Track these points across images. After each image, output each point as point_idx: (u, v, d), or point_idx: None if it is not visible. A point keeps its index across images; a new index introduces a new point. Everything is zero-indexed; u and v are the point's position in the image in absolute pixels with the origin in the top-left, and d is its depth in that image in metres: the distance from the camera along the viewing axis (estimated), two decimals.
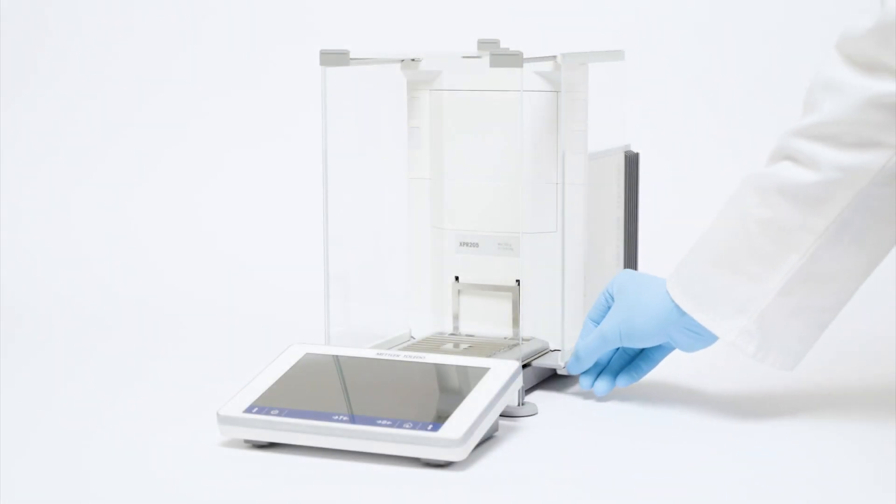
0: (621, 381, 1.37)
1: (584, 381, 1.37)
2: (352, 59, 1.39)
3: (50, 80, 2.14)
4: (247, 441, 1.23)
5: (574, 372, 1.37)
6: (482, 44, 1.53)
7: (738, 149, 2.05)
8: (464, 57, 1.43)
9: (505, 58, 1.32)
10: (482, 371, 1.24)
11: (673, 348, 1.36)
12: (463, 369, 1.26)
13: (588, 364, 1.36)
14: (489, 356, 1.34)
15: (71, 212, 2.04)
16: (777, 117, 2.03)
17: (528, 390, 1.41)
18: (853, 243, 1.23)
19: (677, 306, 1.29)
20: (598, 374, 1.37)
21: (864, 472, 1.17)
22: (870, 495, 1.11)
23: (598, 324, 1.37)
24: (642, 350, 1.37)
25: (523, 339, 1.43)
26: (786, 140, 1.24)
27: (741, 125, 2.03)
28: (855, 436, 1.25)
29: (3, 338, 1.64)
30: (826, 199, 1.22)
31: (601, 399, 1.37)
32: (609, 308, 1.37)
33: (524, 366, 1.36)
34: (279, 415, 1.22)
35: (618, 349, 1.37)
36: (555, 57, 1.39)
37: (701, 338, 1.30)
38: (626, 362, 1.38)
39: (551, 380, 1.44)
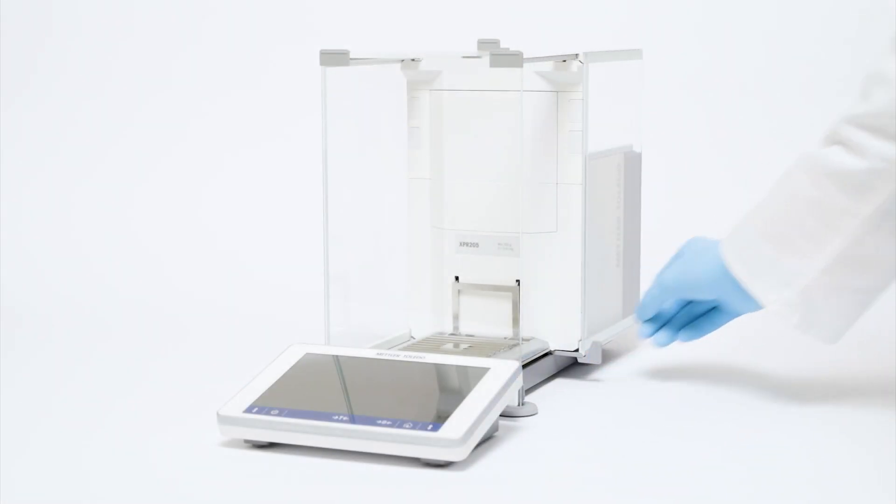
0: (682, 335, 1.43)
1: (645, 330, 1.44)
2: (352, 59, 1.39)
3: (50, 79, 2.14)
4: (247, 441, 1.23)
5: (639, 318, 1.44)
6: (482, 44, 1.53)
7: (739, 149, 2.05)
8: (464, 57, 1.43)
9: (505, 58, 1.32)
10: (482, 371, 1.24)
11: (733, 314, 1.41)
12: (463, 369, 1.26)
13: (650, 312, 1.43)
14: (489, 356, 1.34)
15: (71, 211, 2.04)
16: (778, 117, 2.04)
17: (548, 379, 1.42)
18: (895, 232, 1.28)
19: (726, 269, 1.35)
20: (661, 327, 1.44)
21: (865, 471, 1.17)
22: (870, 495, 1.11)
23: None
24: (706, 312, 1.43)
25: (523, 339, 1.43)
26: (838, 125, 1.27)
27: (742, 125, 2.03)
28: (857, 434, 1.25)
29: (3, 338, 1.64)
30: (870, 186, 1.25)
31: (602, 399, 1.37)
32: None
33: (525, 365, 1.36)
34: (279, 415, 1.22)
35: (683, 308, 1.43)
36: (577, 55, 1.40)
37: (749, 302, 1.35)
38: (690, 321, 1.44)
39: (571, 368, 1.46)
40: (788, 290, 1.30)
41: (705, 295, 1.39)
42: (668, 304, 1.44)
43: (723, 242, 1.36)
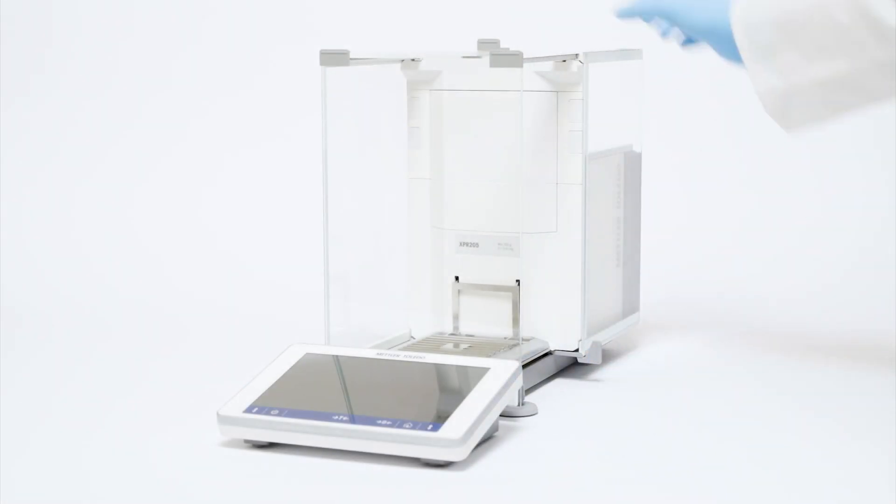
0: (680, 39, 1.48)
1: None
2: (352, 59, 1.39)
3: (51, 79, 2.14)
4: (247, 441, 1.23)
5: (620, 16, 1.47)
6: (482, 44, 1.53)
7: (740, 149, 2.05)
8: (464, 57, 1.43)
9: (505, 58, 1.32)
10: (482, 371, 1.24)
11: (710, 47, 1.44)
12: (463, 369, 1.26)
13: (635, 13, 1.46)
14: (489, 356, 1.34)
15: (71, 212, 2.04)
16: None
17: (548, 379, 1.42)
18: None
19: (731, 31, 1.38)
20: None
21: (865, 472, 1.17)
22: (870, 495, 1.11)
23: None
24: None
25: (523, 339, 1.43)
26: None
27: (742, 125, 2.03)
28: (858, 434, 1.25)
29: (3, 338, 1.64)
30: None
31: (602, 399, 1.37)
32: None
33: (525, 365, 1.36)
34: (279, 415, 1.22)
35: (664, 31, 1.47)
36: (577, 55, 1.40)
37: (734, 59, 1.40)
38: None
39: (571, 367, 1.46)
40: (779, 80, 1.36)
41: (698, 33, 1.42)
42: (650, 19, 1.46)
43: (734, 7, 1.39)
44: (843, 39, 1.32)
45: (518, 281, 1.45)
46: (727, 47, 1.40)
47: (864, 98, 1.37)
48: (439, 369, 1.28)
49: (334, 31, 2.09)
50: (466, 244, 1.47)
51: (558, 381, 1.44)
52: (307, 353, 1.31)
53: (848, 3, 1.32)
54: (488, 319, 1.46)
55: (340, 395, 1.24)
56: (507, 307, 1.46)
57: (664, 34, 1.47)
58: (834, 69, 1.34)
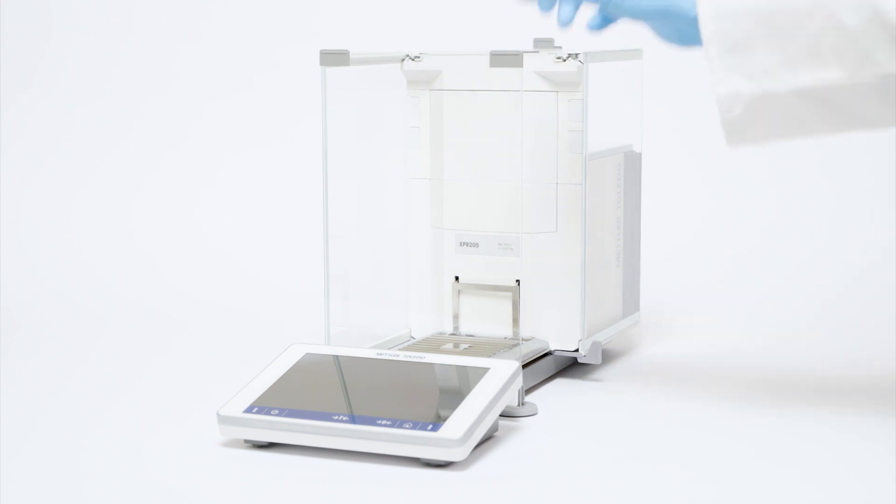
0: (593, 22, 1.28)
1: (544, 3, 1.28)
2: (352, 58, 1.39)
3: (51, 80, 2.14)
4: (247, 441, 1.23)
5: (541, 7, 1.28)
6: (538, 42, 1.51)
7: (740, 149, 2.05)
8: (525, 53, 1.41)
9: (505, 58, 1.32)
10: (482, 371, 1.24)
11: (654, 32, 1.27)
12: (463, 369, 1.26)
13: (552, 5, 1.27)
14: (489, 356, 1.34)
15: (72, 212, 2.04)
16: None
17: (548, 379, 1.42)
18: (892, 103, 1.17)
19: (692, 16, 1.21)
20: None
21: (866, 472, 1.17)
22: (871, 495, 1.11)
23: None
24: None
25: (523, 339, 1.43)
26: None
27: None
28: (858, 434, 1.25)
29: (3, 338, 1.64)
30: None
31: (602, 399, 1.37)
32: None
33: (525, 365, 1.36)
34: (279, 415, 1.22)
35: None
36: (577, 55, 1.40)
37: (683, 45, 1.24)
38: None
39: (571, 368, 1.46)
40: (748, 84, 1.18)
41: (636, 14, 1.23)
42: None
43: None
44: (844, 44, 1.15)
45: (518, 281, 1.45)
46: (675, 30, 1.22)
47: (843, 120, 1.19)
48: (439, 369, 1.28)
49: (334, 31, 2.09)
50: (466, 244, 1.47)
51: (558, 381, 1.44)
52: (307, 353, 1.31)
53: (858, 2, 1.15)
54: (488, 319, 1.46)
55: (340, 395, 1.24)
56: (507, 307, 1.46)
57: (566, 21, 1.26)
58: (823, 79, 1.17)
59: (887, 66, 1.15)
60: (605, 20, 1.29)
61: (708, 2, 1.19)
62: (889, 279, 1.81)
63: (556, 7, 1.28)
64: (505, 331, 1.46)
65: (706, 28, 1.19)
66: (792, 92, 1.18)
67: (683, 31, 1.22)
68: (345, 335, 1.43)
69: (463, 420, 1.18)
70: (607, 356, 1.51)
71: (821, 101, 1.18)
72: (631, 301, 1.55)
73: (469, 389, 1.22)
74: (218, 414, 1.23)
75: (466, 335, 1.47)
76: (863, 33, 1.15)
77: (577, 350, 1.44)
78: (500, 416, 1.24)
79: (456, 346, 1.42)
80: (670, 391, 1.40)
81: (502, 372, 1.24)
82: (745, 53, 1.18)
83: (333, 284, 1.42)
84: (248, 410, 1.23)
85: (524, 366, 1.36)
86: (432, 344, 1.43)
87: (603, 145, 1.47)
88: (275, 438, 1.21)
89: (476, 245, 1.46)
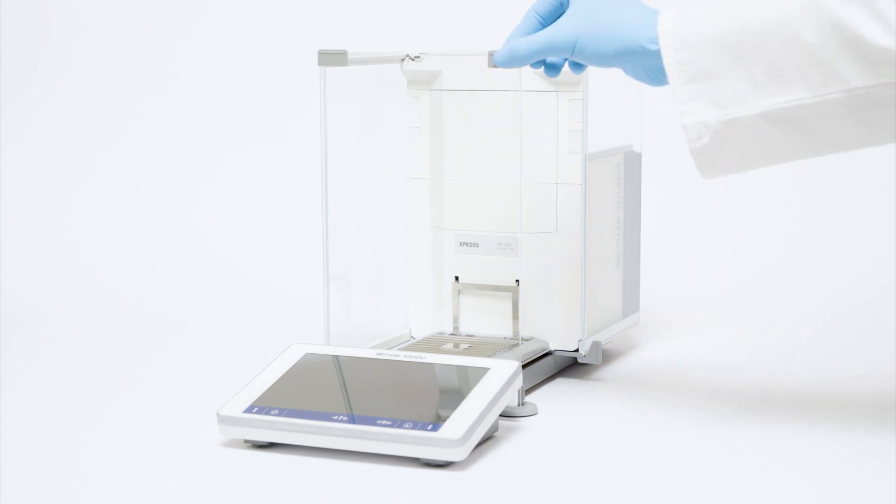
0: (549, 72, 1.29)
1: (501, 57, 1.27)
2: (351, 58, 1.39)
3: (51, 80, 2.14)
4: (247, 441, 1.23)
5: (502, 65, 1.27)
6: None
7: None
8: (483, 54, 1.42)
9: None
10: (482, 371, 1.24)
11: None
12: (463, 369, 1.26)
13: (523, 64, 1.26)
14: (489, 356, 1.34)
15: (72, 212, 2.04)
16: None
17: (548, 379, 1.41)
18: (864, 123, 1.15)
19: (654, 51, 1.19)
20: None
21: (867, 472, 1.17)
22: (872, 495, 1.11)
23: (545, 20, 1.27)
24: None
25: (523, 339, 1.43)
26: None
27: None
28: (859, 434, 1.25)
29: (3, 338, 1.64)
30: (882, 68, 1.12)
31: (602, 399, 1.37)
32: (561, 7, 1.26)
33: (525, 365, 1.36)
34: (279, 415, 1.21)
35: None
36: None
37: (655, 83, 1.22)
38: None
39: (571, 367, 1.45)
40: (715, 112, 1.17)
41: (605, 65, 1.22)
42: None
43: (663, 22, 1.19)
44: (807, 62, 1.14)
45: (518, 281, 1.45)
46: (643, 69, 1.21)
47: (813, 142, 1.17)
48: (439, 369, 1.28)
49: (334, 31, 2.08)
50: (466, 244, 1.47)
51: (558, 381, 1.44)
52: (307, 353, 1.31)
53: (818, 17, 1.13)
54: (488, 319, 1.46)
55: (340, 395, 1.24)
56: (507, 307, 1.46)
57: (553, 71, 1.29)
58: (789, 100, 1.15)
59: (853, 80, 1.13)
60: (576, 67, 1.29)
61: (668, 34, 1.18)
62: (890, 279, 1.81)
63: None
64: (505, 331, 1.46)
65: (668, 59, 1.18)
66: (758, 116, 1.16)
67: (650, 68, 1.21)
68: (345, 335, 1.43)
69: (463, 420, 1.17)
70: (607, 356, 1.51)
71: (788, 124, 1.16)
72: (631, 301, 1.55)
73: (469, 389, 1.22)
74: (218, 414, 1.23)
75: (466, 335, 1.47)
76: (825, 49, 1.13)
77: (577, 350, 1.44)
78: (500, 416, 1.24)
79: (456, 346, 1.42)
80: (670, 391, 1.40)
81: (502, 372, 1.24)
82: (710, 82, 1.17)
83: (333, 284, 1.42)
84: (248, 410, 1.23)
85: (524, 366, 1.36)
86: (432, 344, 1.43)
87: (603, 145, 1.47)
88: (275, 438, 1.21)
89: (476, 245, 1.46)
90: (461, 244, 1.47)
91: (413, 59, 1.47)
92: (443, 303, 1.49)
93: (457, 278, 1.48)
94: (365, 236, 1.53)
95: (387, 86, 1.50)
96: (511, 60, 1.26)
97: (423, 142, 1.49)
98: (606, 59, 1.22)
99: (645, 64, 1.21)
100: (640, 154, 1.55)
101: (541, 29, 1.27)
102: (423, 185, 1.50)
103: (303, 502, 1.11)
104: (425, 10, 2.08)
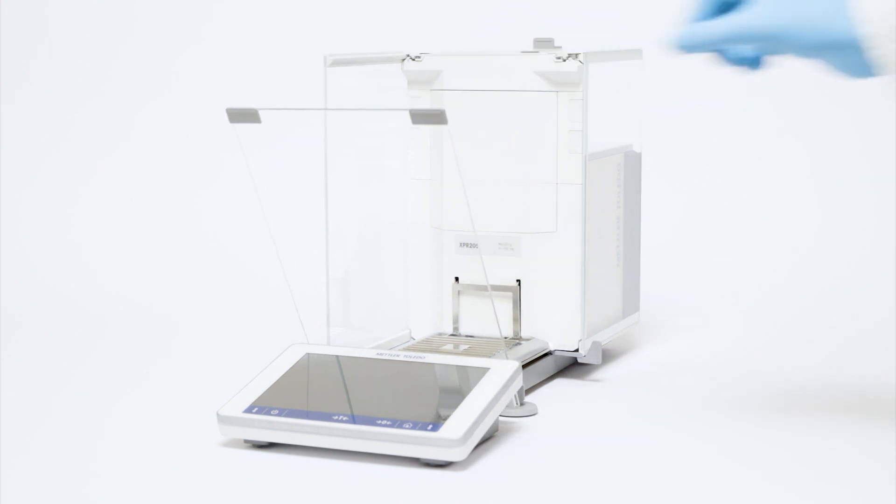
0: (733, 63, 1.21)
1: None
2: (353, 58, 1.39)
3: (51, 80, 2.14)
4: (247, 441, 1.23)
5: (686, 49, 1.18)
6: (538, 42, 1.51)
7: (740, 149, 2.05)
8: (522, 52, 1.42)
9: (427, 115, 1.30)
10: (482, 371, 1.24)
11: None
12: (463, 369, 1.26)
13: (709, 50, 1.19)
14: (489, 356, 1.34)
15: (72, 212, 2.04)
16: (779, 116, 2.04)
17: (548, 379, 1.42)
18: None
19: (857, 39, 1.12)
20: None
21: (867, 472, 1.17)
22: (872, 496, 1.11)
23: (723, 6, 1.19)
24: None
25: (523, 339, 1.43)
26: None
27: (742, 125, 2.03)
28: (859, 434, 1.25)
29: (3, 338, 1.64)
30: None
31: (602, 399, 1.37)
32: None
33: (525, 365, 1.36)
34: (279, 415, 1.22)
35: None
36: (577, 55, 1.40)
37: (860, 76, 1.14)
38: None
39: (571, 367, 1.46)
40: None
41: (805, 53, 1.15)
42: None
43: (873, 12, 1.10)
44: None
45: (518, 281, 1.45)
46: (850, 63, 1.14)
47: None
48: (439, 369, 1.28)
49: (334, 31, 2.09)
50: (466, 244, 1.47)
51: (558, 381, 1.44)
52: (307, 353, 1.31)
53: None
54: (488, 319, 1.46)
55: (340, 395, 1.24)
56: (507, 307, 1.46)
57: (744, 62, 1.21)
58: None
59: None
60: (754, 62, 1.23)
61: (884, 24, 1.10)
62: (889, 280, 1.81)
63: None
64: (505, 331, 1.46)
65: (891, 52, 1.10)
66: None
67: (859, 62, 1.13)
68: (345, 335, 1.43)
69: (463, 420, 1.18)
70: (607, 356, 1.51)
71: None
72: (631, 301, 1.55)
73: (469, 389, 1.22)
74: (218, 414, 1.23)
75: (466, 335, 1.47)
76: None
77: (577, 350, 1.44)
78: (500, 416, 1.24)
79: (456, 346, 1.42)
80: (670, 391, 1.40)
81: (502, 372, 1.24)
82: None
83: (333, 285, 1.42)
84: (248, 410, 1.23)
85: (524, 366, 1.36)
86: (432, 344, 1.43)
87: (603, 145, 1.47)
88: (275, 438, 1.21)
89: (476, 245, 1.46)
90: (461, 244, 1.47)
91: (413, 59, 1.47)
92: (443, 303, 1.49)
93: (457, 279, 1.48)
94: (365, 237, 1.53)
95: (387, 86, 1.50)
96: (694, 46, 1.18)
97: (423, 142, 1.49)
98: (810, 50, 1.15)
99: (856, 57, 1.13)
100: (640, 154, 1.55)
101: (719, 15, 1.19)
102: (423, 185, 1.50)
103: (303, 502, 1.11)
104: (426, 10, 2.08)
